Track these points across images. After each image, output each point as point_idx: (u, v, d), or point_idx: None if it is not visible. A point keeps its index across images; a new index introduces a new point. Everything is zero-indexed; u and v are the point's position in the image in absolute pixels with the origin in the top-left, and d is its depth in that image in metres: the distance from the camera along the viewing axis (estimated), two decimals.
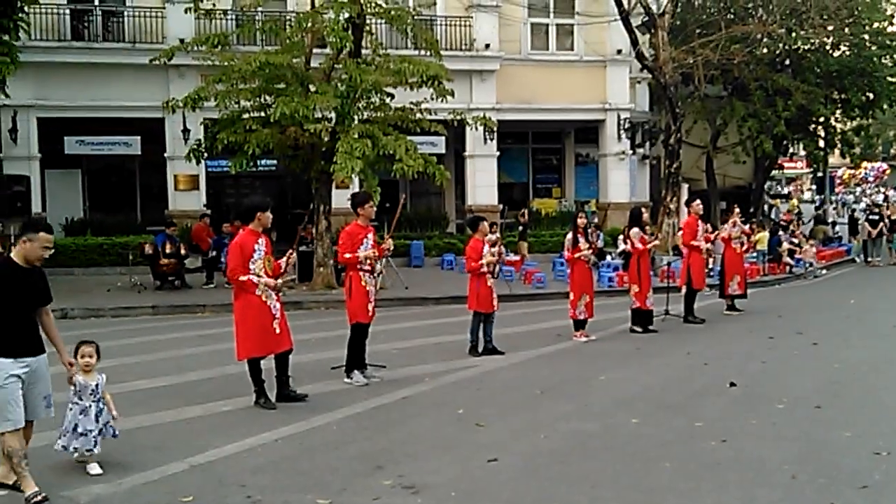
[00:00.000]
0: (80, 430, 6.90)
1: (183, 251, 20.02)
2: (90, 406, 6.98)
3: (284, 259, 9.43)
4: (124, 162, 26.28)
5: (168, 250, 19.64)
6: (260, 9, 22.30)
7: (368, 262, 10.20)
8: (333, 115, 18.86)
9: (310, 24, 19.09)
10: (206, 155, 20.69)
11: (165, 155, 24.48)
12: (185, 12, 19.99)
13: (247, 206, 9.35)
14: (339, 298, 17.84)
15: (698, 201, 15.98)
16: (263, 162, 20.50)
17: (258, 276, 8.91)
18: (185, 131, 23.42)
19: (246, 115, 19.24)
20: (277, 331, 9.07)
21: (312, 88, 18.88)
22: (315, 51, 19.65)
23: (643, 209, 14.94)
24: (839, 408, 9.22)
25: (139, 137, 25.03)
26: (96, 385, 7.07)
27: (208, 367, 11.24)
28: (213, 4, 19.97)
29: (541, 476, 7.07)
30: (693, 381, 10.68)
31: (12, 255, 6.48)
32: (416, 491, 6.64)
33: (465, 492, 6.67)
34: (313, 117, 18.06)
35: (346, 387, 10.16)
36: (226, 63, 19.00)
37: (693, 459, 7.47)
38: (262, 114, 18.94)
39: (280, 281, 9.16)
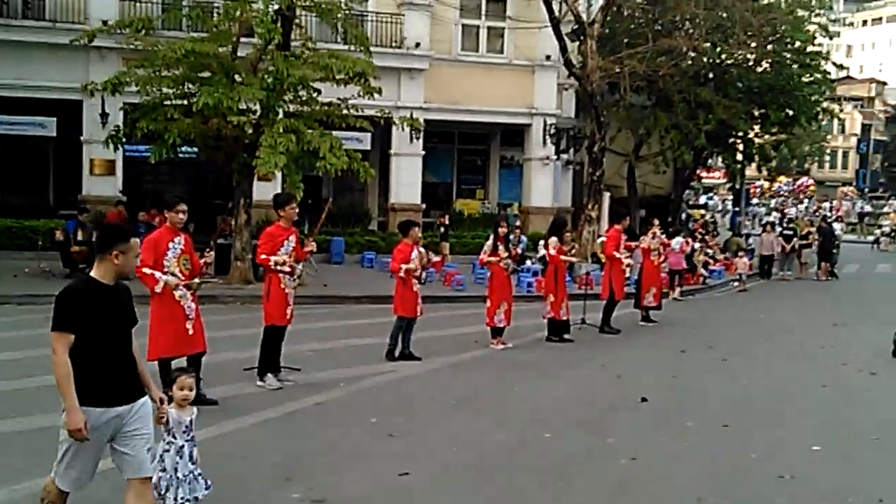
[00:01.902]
0: (180, 474, 5.86)
1: (95, 238, 19.45)
2: (184, 445, 5.91)
3: (203, 260, 9.24)
4: (38, 143, 25.47)
5: (80, 237, 19.10)
6: None
7: (287, 265, 10.03)
8: (258, 107, 18.57)
9: (238, 14, 18.76)
10: (124, 141, 20.19)
11: (82, 138, 23.78)
12: None
13: (157, 199, 9.15)
14: (256, 294, 17.49)
15: (628, 219, 16.20)
16: (184, 149, 20.05)
17: (172, 273, 8.70)
18: (104, 115, 22.83)
19: (168, 103, 18.82)
20: (191, 332, 8.89)
21: (238, 79, 18.55)
22: (242, 40, 19.32)
23: (566, 220, 15.03)
24: (746, 427, 9.40)
25: (55, 119, 24.32)
26: (190, 421, 5.98)
27: None
28: None
29: (453, 491, 7.07)
30: (606, 394, 10.79)
31: (94, 273, 5.13)
32: None
33: None
34: (237, 109, 17.75)
35: (259, 390, 10.01)
36: (149, 48, 18.57)
37: (604, 478, 7.55)
38: (185, 102, 18.55)
39: (175, 279, 8.80)
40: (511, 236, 14.36)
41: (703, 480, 7.53)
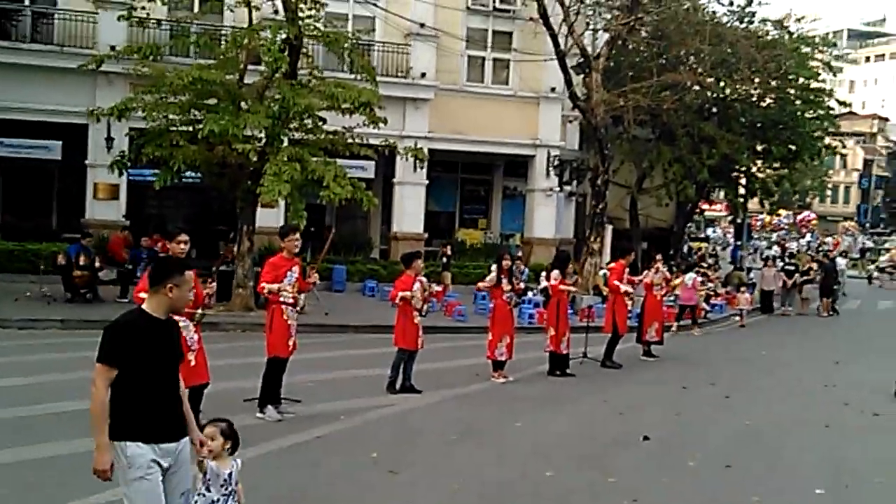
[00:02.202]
0: None
1: (98, 263, 19.49)
2: (218, 500, 5.36)
3: (205, 290, 9.24)
4: (43, 167, 25.52)
5: (82, 262, 19.08)
6: (195, 21, 22.07)
7: (291, 295, 10.03)
8: (263, 134, 18.65)
9: (246, 42, 18.89)
10: (129, 166, 20.27)
11: (87, 162, 23.86)
12: (118, 19, 19.59)
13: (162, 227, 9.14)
14: (258, 321, 17.64)
15: (633, 252, 16.23)
16: (188, 174, 20.11)
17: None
18: (109, 140, 22.94)
19: (173, 129, 18.90)
20: (193, 363, 8.86)
21: (244, 106, 18.65)
22: (249, 68, 19.43)
23: (570, 254, 15.07)
24: (748, 468, 9.35)
25: (60, 143, 24.34)
26: (229, 474, 5.44)
27: None
28: (148, 13, 19.65)
29: None
30: (608, 431, 10.75)
31: (146, 306, 4.99)
32: None
33: None
34: (243, 136, 17.81)
35: (259, 422, 9.97)
36: (157, 74, 18.67)
37: None
38: (191, 129, 18.62)
39: (199, 311, 8.92)
40: (513, 269, 14.30)
41: None
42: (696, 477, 8.97)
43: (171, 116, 18.80)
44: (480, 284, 13.79)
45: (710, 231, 47.91)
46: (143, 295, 8.40)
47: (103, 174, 22.61)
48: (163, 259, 5.67)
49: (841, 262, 34.47)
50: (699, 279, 23.04)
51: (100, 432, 4.77)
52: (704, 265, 28.43)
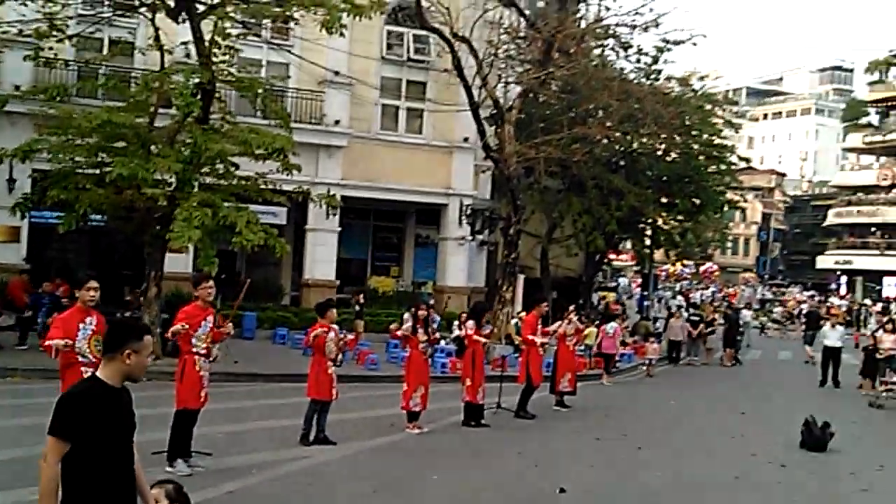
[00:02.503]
0: None
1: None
2: None
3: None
4: None
5: None
6: (104, 63, 21.66)
7: (205, 345, 9.79)
8: (174, 179, 18.33)
9: (157, 85, 18.61)
10: (31, 208, 19.67)
11: None
12: (24, 59, 19.12)
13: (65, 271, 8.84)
14: (165, 370, 17.14)
15: (546, 303, 16.35)
16: (92, 216, 19.62)
17: (83, 355, 8.39)
18: (11, 181, 22.20)
19: (80, 172, 18.44)
20: None
21: (154, 150, 18.33)
22: (160, 111, 19.14)
23: (486, 306, 15.12)
24: None
25: None
26: None
27: (19, 445, 10.38)
28: (55, 54, 19.23)
29: None
30: (524, 484, 10.71)
31: (101, 374, 4.57)
32: None
33: None
34: (152, 180, 17.48)
35: (168, 476, 9.61)
36: (64, 116, 18.23)
37: None
38: (98, 171, 18.20)
39: (66, 341, 8.41)
40: (428, 319, 14.25)
41: None
42: None
43: (77, 159, 18.36)
44: (394, 329, 13.66)
45: (621, 280, 48.76)
46: (51, 343, 8.14)
47: (4, 216, 21.87)
48: (119, 323, 5.29)
49: (746, 314, 35.48)
50: (617, 328, 23.40)
51: None
52: (614, 310, 28.80)
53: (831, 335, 23.46)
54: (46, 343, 8.32)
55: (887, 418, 18.53)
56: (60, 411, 4.45)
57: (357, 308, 24.16)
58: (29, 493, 8.56)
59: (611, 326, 22.68)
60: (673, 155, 31.16)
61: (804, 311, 39.84)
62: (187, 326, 9.69)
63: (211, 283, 10.13)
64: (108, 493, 4.48)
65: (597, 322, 24.60)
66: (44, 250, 24.93)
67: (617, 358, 24.09)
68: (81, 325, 8.49)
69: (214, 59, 18.77)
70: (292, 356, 20.24)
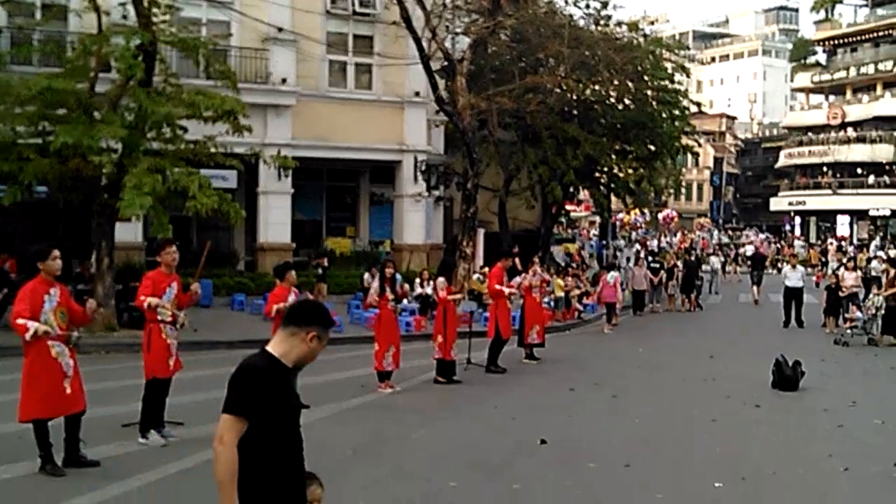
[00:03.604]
0: None
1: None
2: None
3: (88, 306, 8.58)
4: None
5: None
6: (38, 28, 20.81)
7: (170, 312, 9.40)
8: (120, 146, 17.70)
9: (95, 48, 17.90)
10: None
11: None
12: None
13: (28, 257, 8.37)
14: (122, 342, 16.89)
15: (511, 258, 16.17)
16: (35, 188, 18.96)
17: (49, 326, 8.00)
18: None
19: (21, 142, 17.72)
20: (69, 391, 8.16)
21: (97, 116, 17.66)
22: (101, 76, 18.42)
23: (454, 261, 14.85)
24: (647, 466, 9.31)
25: None
26: None
27: None
28: None
29: None
30: (504, 437, 10.54)
31: (274, 349, 4.15)
32: None
33: None
34: (98, 148, 16.86)
35: (142, 448, 9.31)
36: (1, 85, 17.46)
37: None
38: (41, 141, 17.50)
39: (75, 334, 8.26)
40: (395, 278, 13.95)
41: None
42: (599, 478, 8.90)
43: (18, 128, 17.63)
44: (370, 301, 13.33)
45: (573, 232, 48.74)
46: (21, 321, 7.68)
47: None
48: (313, 304, 4.71)
49: (714, 261, 35.66)
50: (617, 276, 23.44)
51: (230, 498, 3.94)
52: (573, 266, 28.71)
53: (792, 276, 23.61)
54: (20, 322, 7.85)
55: (854, 355, 18.69)
56: (237, 386, 4.03)
57: (320, 272, 23.80)
58: (2, 469, 8.28)
59: (611, 276, 22.85)
60: (626, 102, 30.97)
61: (749, 254, 40.24)
62: (165, 304, 9.37)
63: (174, 248, 9.74)
64: (286, 479, 4.09)
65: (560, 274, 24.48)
66: None
67: (580, 308, 24.06)
68: (47, 297, 8.11)
69: (154, 20, 18.08)
70: (252, 322, 19.81)
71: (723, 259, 40.16)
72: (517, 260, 17.27)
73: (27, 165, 17.12)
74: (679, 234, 55.51)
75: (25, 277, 8.69)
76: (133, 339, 16.03)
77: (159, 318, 9.41)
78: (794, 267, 24.42)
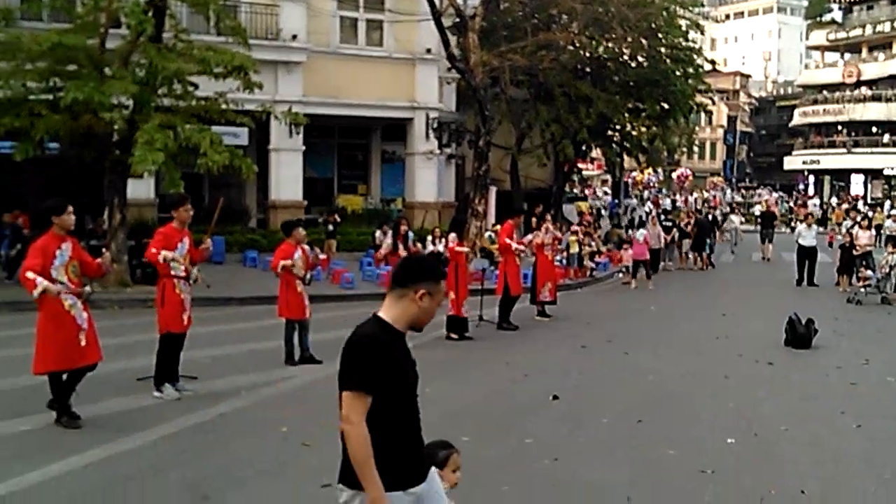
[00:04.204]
0: None
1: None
2: None
3: (103, 259, 8.63)
4: None
5: None
6: None
7: (183, 267, 9.43)
8: (131, 102, 17.65)
9: (105, 4, 17.75)
10: None
11: None
12: None
13: (41, 211, 8.36)
14: (136, 297, 16.96)
15: (520, 218, 16.12)
16: (47, 144, 18.96)
17: (60, 282, 8.02)
18: None
19: (32, 98, 17.67)
20: (83, 342, 8.22)
21: (108, 72, 17.58)
22: (110, 32, 18.30)
23: (466, 218, 14.82)
24: (659, 422, 9.33)
25: None
26: None
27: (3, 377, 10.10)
28: None
29: None
30: (516, 393, 10.58)
31: (385, 315, 3.92)
32: None
33: None
34: (109, 104, 16.82)
35: (157, 402, 9.38)
36: (11, 40, 17.37)
37: (529, 481, 7.34)
38: (52, 97, 17.46)
39: (87, 289, 8.31)
40: (408, 235, 13.96)
41: (628, 479, 7.42)
42: (612, 433, 8.92)
43: (29, 84, 17.57)
44: (380, 255, 13.33)
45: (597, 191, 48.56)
46: (30, 275, 7.73)
47: None
48: (416, 258, 4.64)
49: (735, 219, 35.49)
50: (646, 234, 23.38)
51: (373, 480, 3.72)
52: (584, 224, 28.58)
53: (807, 235, 23.46)
54: (29, 276, 7.88)
55: (867, 313, 18.63)
56: (354, 361, 3.79)
57: (331, 228, 23.79)
58: (19, 422, 8.38)
59: (640, 233, 22.85)
60: (640, 59, 30.65)
61: (760, 212, 40.09)
62: (179, 258, 9.41)
63: (189, 204, 9.77)
64: (410, 447, 3.92)
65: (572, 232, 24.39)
66: None
67: (592, 266, 24.00)
68: (58, 251, 8.14)
69: None
70: (265, 278, 19.75)
71: (742, 218, 40.08)
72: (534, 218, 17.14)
73: (38, 121, 17.10)
74: (697, 193, 55.25)
75: (38, 233, 8.70)
76: (146, 295, 16.12)
77: (172, 272, 9.45)
78: (809, 226, 24.27)
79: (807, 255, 23.20)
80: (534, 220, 16.90)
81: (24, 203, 21.25)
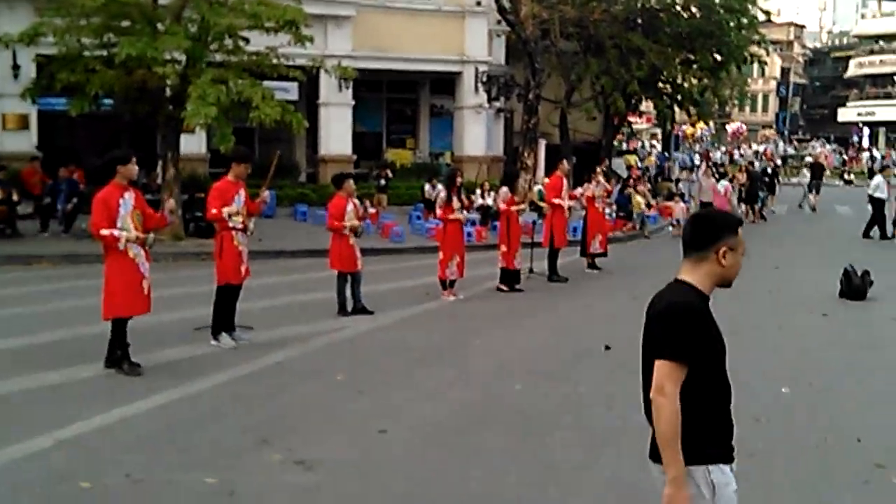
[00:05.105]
0: None
1: (15, 197, 18.54)
2: None
3: (164, 210, 8.92)
4: None
5: None
6: None
7: (241, 220, 9.59)
8: (183, 57, 17.79)
9: None
10: (40, 93, 19.24)
11: None
12: None
13: (106, 161, 8.53)
14: (189, 251, 17.23)
15: (565, 162, 15.97)
16: (101, 100, 19.21)
17: (124, 230, 8.22)
18: (16, 67, 21.71)
19: (87, 54, 17.90)
20: (145, 291, 8.43)
21: (161, 28, 17.73)
22: None
23: (517, 171, 14.78)
24: None
25: None
26: None
27: (60, 327, 10.37)
28: None
29: (434, 449, 6.84)
30: (568, 343, 10.63)
31: (690, 278, 3.68)
32: (310, 467, 6.27)
33: (361, 467, 6.36)
34: (162, 59, 16.98)
35: (214, 350, 9.58)
36: None
37: (583, 429, 7.40)
38: (105, 53, 17.67)
39: (151, 236, 8.53)
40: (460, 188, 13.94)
41: None
42: None
43: (83, 40, 17.78)
44: (440, 213, 13.34)
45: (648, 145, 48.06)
46: (104, 231, 7.93)
47: (11, 104, 21.62)
48: (709, 215, 4.13)
49: (806, 172, 34.78)
50: (727, 186, 23.27)
51: (676, 458, 3.48)
52: (636, 178, 28.35)
53: (882, 186, 22.94)
54: (104, 233, 8.12)
55: None
56: (675, 328, 3.55)
57: (382, 182, 23.91)
58: (82, 368, 8.57)
59: (721, 185, 22.89)
60: (693, 10, 30.08)
61: (809, 163, 39.41)
62: (237, 213, 9.57)
63: (249, 162, 10.01)
64: (728, 425, 3.68)
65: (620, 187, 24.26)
66: (52, 138, 24.57)
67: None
68: (122, 201, 8.30)
69: None
70: (315, 232, 19.97)
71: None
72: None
73: (93, 77, 17.31)
74: (746, 146, 54.41)
75: (93, 189, 8.89)
76: (199, 249, 16.41)
77: (231, 225, 9.59)
78: (886, 178, 23.72)
79: (877, 208, 22.66)
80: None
81: (78, 158, 21.64)
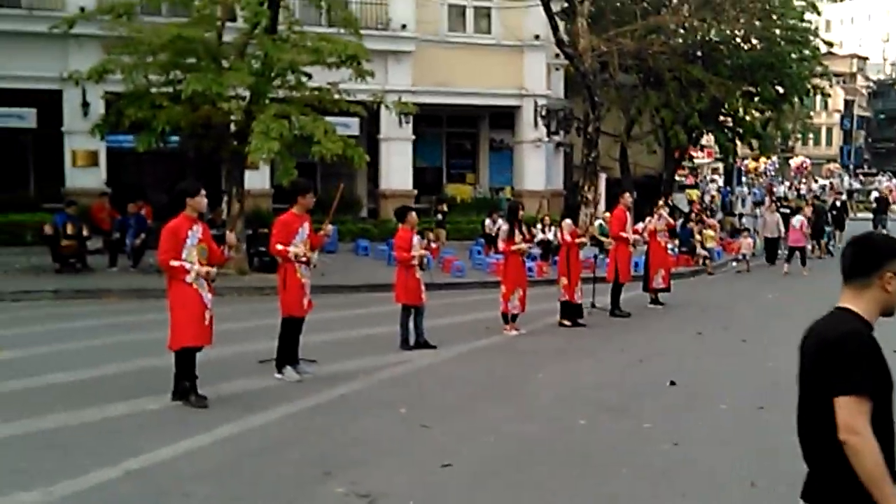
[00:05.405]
0: None
1: (85, 232, 18.96)
2: None
3: (228, 239, 8.93)
4: (17, 136, 24.73)
5: (69, 231, 18.52)
6: None
7: (304, 253, 9.67)
8: (247, 93, 18.10)
9: None
10: (109, 130, 19.69)
11: (63, 129, 23.21)
12: None
13: (176, 193, 8.68)
14: (253, 285, 17.40)
15: (628, 194, 15.88)
16: (167, 137, 19.61)
17: (191, 262, 8.34)
18: (85, 105, 22.32)
19: (154, 90, 18.30)
20: (207, 323, 8.52)
21: (225, 65, 18.06)
22: (227, 24, 18.79)
23: (579, 203, 14.71)
24: (781, 410, 8.99)
25: (34, 110, 23.61)
26: None
27: (125, 360, 10.52)
28: None
29: (496, 483, 6.78)
30: (632, 379, 10.49)
31: (854, 306, 3.48)
32: (373, 500, 6.24)
33: (424, 500, 6.33)
34: (227, 95, 17.28)
35: (278, 383, 9.63)
36: (132, 34, 18.01)
37: (647, 465, 7.26)
38: (172, 89, 18.03)
39: (214, 269, 8.62)
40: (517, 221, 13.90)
41: (752, 464, 7.28)
42: (732, 419, 8.77)
43: (150, 77, 18.19)
44: (502, 246, 13.33)
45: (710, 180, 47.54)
46: (174, 263, 8.06)
47: (80, 141, 22.15)
48: (870, 239, 3.61)
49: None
50: (803, 220, 23.36)
51: (889, 495, 3.19)
52: (698, 212, 27.98)
53: None
54: (174, 264, 8.27)
55: None
56: (853, 361, 3.28)
57: (440, 217, 23.98)
58: (148, 400, 8.67)
59: (797, 219, 22.98)
60: (753, 42, 29.82)
61: (875, 197, 38.73)
62: (302, 247, 9.65)
63: (313, 194, 10.08)
64: (891, 467, 3.30)
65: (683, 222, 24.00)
66: (119, 174, 25.12)
67: (706, 254, 23.52)
68: (190, 232, 8.44)
69: None
70: (376, 266, 20.13)
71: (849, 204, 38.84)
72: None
73: (160, 113, 17.65)
74: (807, 181, 53.60)
75: (160, 225, 9.03)
76: (263, 283, 16.55)
77: (293, 257, 9.67)
78: None
79: None
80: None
81: (145, 195, 22.07)
